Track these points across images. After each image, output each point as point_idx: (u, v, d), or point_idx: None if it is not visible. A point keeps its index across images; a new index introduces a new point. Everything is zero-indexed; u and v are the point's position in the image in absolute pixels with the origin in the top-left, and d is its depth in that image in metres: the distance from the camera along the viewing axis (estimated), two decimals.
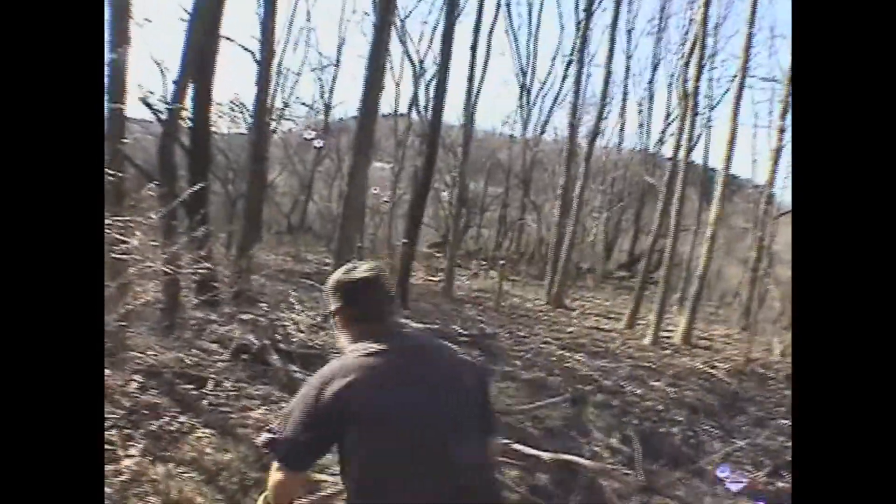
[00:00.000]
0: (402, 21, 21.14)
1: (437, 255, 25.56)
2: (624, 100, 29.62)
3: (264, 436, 2.10)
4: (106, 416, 4.95)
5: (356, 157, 9.72)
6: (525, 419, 6.88)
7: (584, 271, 25.88)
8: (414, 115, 21.99)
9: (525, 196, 27.52)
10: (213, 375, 6.23)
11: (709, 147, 22.64)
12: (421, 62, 21.97)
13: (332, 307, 2.28)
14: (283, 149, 26.82)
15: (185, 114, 9.02)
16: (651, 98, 30.33)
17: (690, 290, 15.12)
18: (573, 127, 18.72)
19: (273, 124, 21.69)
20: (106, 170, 5.46)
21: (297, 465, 2.12)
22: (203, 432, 5.08)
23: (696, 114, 14.87)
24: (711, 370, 11.19)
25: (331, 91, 26.99)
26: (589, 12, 17.97)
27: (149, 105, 8.85)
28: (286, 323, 9.17)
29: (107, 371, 5.66)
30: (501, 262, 19.63)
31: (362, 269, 2.28)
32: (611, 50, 18.14)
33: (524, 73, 27.62)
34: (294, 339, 8.25)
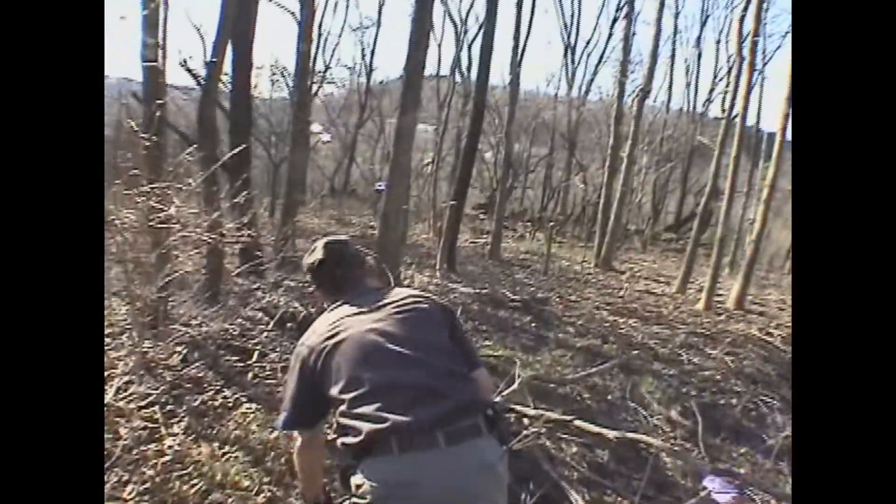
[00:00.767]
0: None
1: (482, 216, 25.29)
2: (672, 58, 28.83)
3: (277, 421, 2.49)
4: (148, 391, 4.78)
5: (402, 117, 9.37)
6: (583, 390, 6.58)
7: (631, 233, 25.39)
8: (457, 76, 21.53)
9: (571, 157, 26.95)
10: (257, 347, 5.98)
11: (761, 106, 21.85)
12: (463, 21, 21.46)
13: (311, 286, 2.79)
14: (326, 112, 26.67)
15: (225, 77, 8.80)
16: (699, 56, 29.47)
17: (741, 253, 14.57)
18: (622, 85, 18.11)
19: (315, 87, 21.50)
20: (142, 134, 5.26)
21: (304, 424, 2.42)
22: (248, 407, 4.86)
23: (753, 70, 14.13)
24: (767, 337, 10.77)
25: (372, 53, 26.67)
26: None
27: (188, 69, 8.64)
28: None
29: (149, 343, 5.51)
30: (550, 223, 19.24)
31: (318, 251, 2.61)
32: (661, 4, 17.41)
33: (568, 32, 26.88)
34: None
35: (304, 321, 6.84)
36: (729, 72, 26.01)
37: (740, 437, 6.67)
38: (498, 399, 5.09)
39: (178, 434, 4.32)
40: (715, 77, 28.46)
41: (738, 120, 14.22)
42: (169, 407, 4.68)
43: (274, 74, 20.28)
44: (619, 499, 4.72)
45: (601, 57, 27.09)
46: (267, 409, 4.83)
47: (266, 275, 8.69)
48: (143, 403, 4.64)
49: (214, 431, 4.44)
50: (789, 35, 13.76)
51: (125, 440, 4.10)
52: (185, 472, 3.86)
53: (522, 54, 16.43)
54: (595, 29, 45.46)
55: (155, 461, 3.92)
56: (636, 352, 8.37)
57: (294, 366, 2.36)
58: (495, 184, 20.77)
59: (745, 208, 21.59)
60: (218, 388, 5.14)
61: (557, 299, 11.16)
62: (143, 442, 4.14)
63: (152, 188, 4.97)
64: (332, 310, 2.45)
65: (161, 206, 5.13)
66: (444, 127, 20.96)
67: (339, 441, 2.21)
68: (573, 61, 27.03)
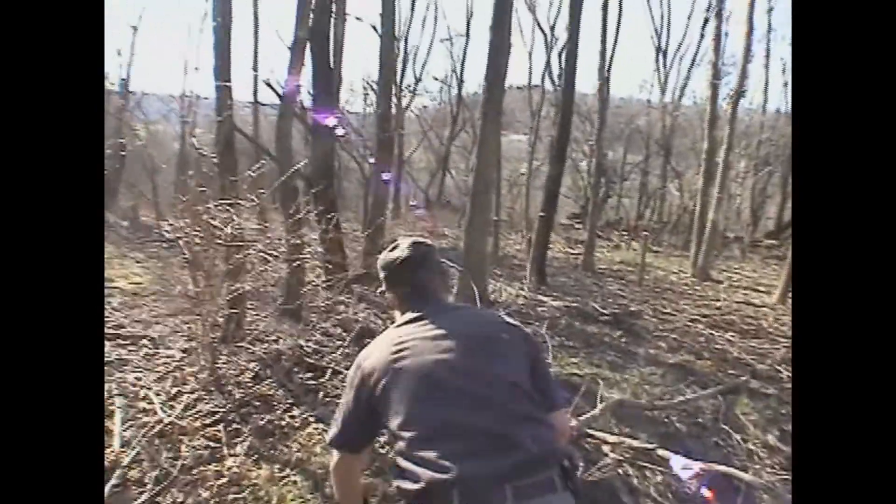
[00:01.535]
0: None
1: (577, 226, 24.85)
2: (767, 57, 27.61)
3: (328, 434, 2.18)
4: (215, 408, 4.71)
5: (484, 125, 9.19)
6: (672, 412, 6.17)
7: (730, 240, 24.39)
8: (548, 84, 21.20)
9: (666, 163, 26.16)
10: (331, 364, 5.86)
11: None
12: (552, 29, 21.13)
13: (383, 286, 2.37)
14: (419, 124, 26.81)
15: (309, 92, 8.83)
16: None
17: None
18: (715, 87, 17.35)
19: (405, 100, 21.63)
20: (205, 151, 5.22)
21: (349, 447, 2.16)
22: (315, 428, 4.71)
23: None
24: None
25: (462, 64, 26.64)
26: None
27: (270, 85, 8.71)
28: None
29: (223, 359, 5.47)
30: (644, 232, 18.65)
31: (402, 248, 2.32)
32: (752, 1, 16.62)
33: (659, 35, 26.13)
34: None
35: None
36: None
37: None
38: (575, 423, 4.79)
39: (239, 454, 4.20)
40: None
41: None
42: (235, 426, 4.59)
43: (365, 89, 20.48)
44: None
45: (693, 60, 26.18)
46: None
47: (350, 288, 8.61)
48: (208, 421, 4.57)
49: (277, 453, 4.31)
50: None
51: (185, 460, 4.01)
52: (239, 495, 3.72)
53: (611, 60, 15.99)
54: (686, 31, 44.05)
55: (212, 483, 3.81)
56: (732, 372, 7.87)
57: (352, 382, 2.08)
58: (589, 192, 20.34)
59: None
60: (287, 406, 5.03)
61: (650, 312, 10.70)
62: (203, 462, 4.05)
63: (220, 203, 4.91)
64: (399, 324, 2.16)
65: (231, 221, 5.07)
66: (535, 136, 20.65)
67: (395, 483, 1.90)
68: (665, 65, 26.32)
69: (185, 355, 5.83)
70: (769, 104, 28.97)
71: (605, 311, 9.64)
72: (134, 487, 3.72)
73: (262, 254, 5.90)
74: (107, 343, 6.00)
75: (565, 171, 16.26)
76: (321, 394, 5.36)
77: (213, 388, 5.02)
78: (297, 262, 6.57)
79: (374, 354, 2.05)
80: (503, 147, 15.78)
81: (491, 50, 8.59)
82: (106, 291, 7.73)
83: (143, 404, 4.83)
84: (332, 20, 9.08)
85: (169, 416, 4.56)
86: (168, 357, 5.88)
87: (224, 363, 5.50)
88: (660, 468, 4.75)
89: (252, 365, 5.57)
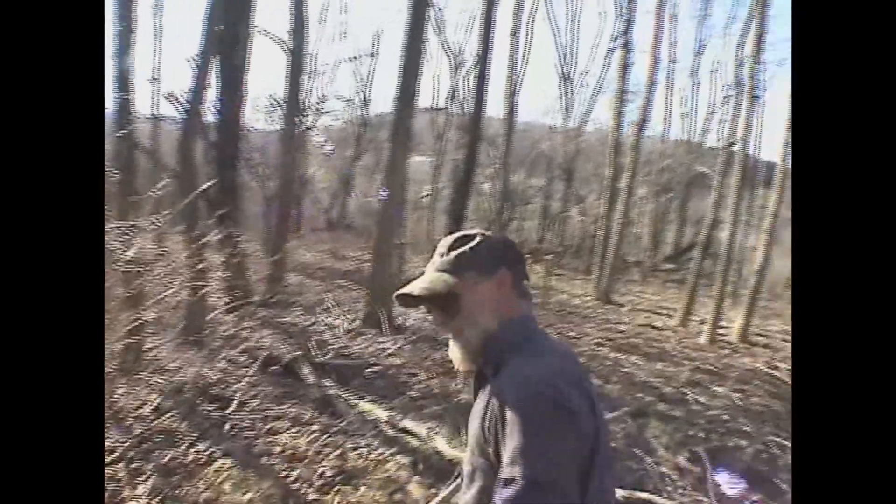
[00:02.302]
0: (438, 10, 20.52)
1: None
2: (669, 87, 28.64)
3: None
4: (114, 445, 4.39)
5: (394, 148, 9.09)
6: None
7: (630, 265, 25.01)
8: (453, 107, 21.33)
9: (568, 187, 26.65)
10: (237, 395, 5.59)
11: (760, 134, 21.63)
12: (460, 52, 21.30)
13: (480, 277, 1.65)
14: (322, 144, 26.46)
15: (213, 108, 8.54)
16: (695, 85, 29.31)
17: (742, 283, 14.19)
18: (619, 115, 17.82)
19: (310, 119, 21.30)
20: (107, 167, 4.91)
21: None
22: (222, 464, 4.45)
23: (754, 97, 13.83)
24: (774, 371, 10.36)
25: (368, 84, 26.52)
26: None
27: (174, 99, 8.36)
28: (321, 328, 8.58)
29: (120, 391, 5.15)
30: (547, 255, 18.87)
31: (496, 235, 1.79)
32: (657, 35, 17.18)
33: (564, 61, 26.69)
34: (331, 346, 7.63)
35: (290, 366, 6.48)
36: (726, 100, 25.88)
37: (753, 483, 6.25)
38: None
39: (141, 496, 3.91)
40: (711, 106, 28.36)
41: (738, 148, 13.92)
42: (135, 464, 4.28)
43: (269, 106, 20.04)
44: None
45: (597, 87, 26.87)
46: (242, 467, 4.43)
47: (252, 312, 8.32)
48: (106, 460, 4.24)
49: (182, 492, 4.03)
50: (787, 63, 13.40)
51: None
52: None
53: (519, 86, 16.22)
54: (591, 59, 45.35)
55: None
56: (640, 395, 7.97)
57: (559, 417, 1.40)
58: (493, 215, 20.48)
59: (745, 236, 21.28)
60: (191, 441, 4.74)
61: (556, 336, 10.77)
62: None
63: (118, 225, 4.61)
64: (538, 352, 1.59)
65: (131, 245, 4.77)
66: (440, 159, 20.69)
67: None
68: (570, 91, 26.90)
69: None
70: (670, 133, 30.01)
71: None
72: None
73: (162, 279, 5.60)
74: None
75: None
76: (227, 426, 5.10)
77: (110, 423, 4.69)
78: (201, 288, 6.27)
79: (572, 391, 1.47)
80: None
81: (402, 73, 8.51)
82: None
83: None
84: (240, 33, 8.82)
85: None
86: None
87: (122, 395, 5.16)
88: None
89: (153, 397, 5.25)
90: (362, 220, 26.29)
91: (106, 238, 4.62)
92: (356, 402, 5.87)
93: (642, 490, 4.92)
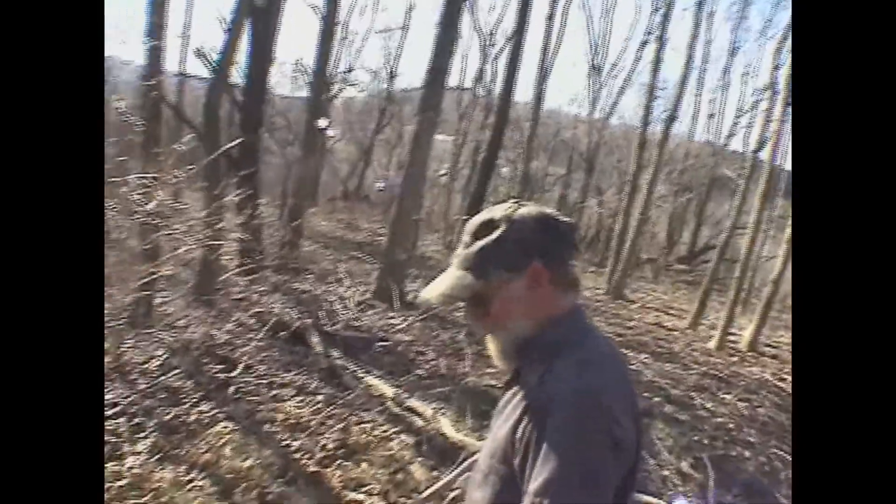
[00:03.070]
0: None
1: None
2: (699, 87, 28.29)
3: None
4: (117, 399, 4.34)
5: (421, 123, 8.98)
6: None
7: (644, 261, 24.86)
8: (480, 88, 21.13)
9: (588, 178, 26.43)
10: (244, 359, 5.53)
11: (787, 143, 21.28)
12: (491, 34, 21.06)
13: (509, 274, 1.44)
14: (344, 114, 26.37)
15: (240, 69, 8.46)
16: (726, 87, 28.91)
17: (756, 292, 13.99)
18: (647, 110, 17.58)
19: (335, 89, 21.20)
20: (133, 117, 4.84)
21: None
22: (224, 427, 4.40)
23: (789, 103, 13.54)
24: (781, 383, 10.27)
25: (396, 59, 26.33)
26: None
27: (202, 55, 8.27)
28: (332, 298, 8.52)
29: (128, 344, 5.10)
30: None
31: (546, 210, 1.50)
32: (695, 32, 16.91)
33: (595, 53, 26.39)
34: (341, 317, 7.57)
35: (299, 332, 6.42)
36: (755, 105, 25.54)
37: (754, 494, 6.19)
38: None
39: (141, 453, 3.86)
40: (739, 110, 27.99)
41: (766, 154, 13.71)
42: (137, 419, 4.23)
43: (296, 72, 19.93)
44: None
45: (626, 80, 26.57)
46: (244, 432, 4.38)
47: (265, 276, 8.26)
48: (108, 413, 4.19)
49: (183, 453, 3.98)
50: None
51: None
52: (140, 500, 3.39)
53: (549, 71, 16.03)
54: (622, 52, 45.01)
55: (110, 485, 3.46)
56: (646, 394, 7.89)
57: (605, 444, 1.27)
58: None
59: (762, 245, 21.09)
60: (195, 400, 4.69)
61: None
62: None
63: (141, 177, 4.53)
64: (588, 359, 1.40)
65: (152, 198, 4.70)
66: (462, 138, 20.54)
67: None
68: (598, 82, 26.62)
69: None
70: (694, 134, 29.71)
71: None
72: None
73: (178, 235, 5.54)
74: None
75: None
76: (232, 389, 5.04)
77: (115, 376, 4.64)
78: (217, 247, 6.20)
79: (617, 404, 1.34)
80: None
81: (436, 48, 8.38)
82: None
83: None
84: None
85: None
86: None
87: (129, 349, 5.11)
88: None
89: (160, 353, 5.20)
90: (379, 193, 26.23)
91: (126, 189, 4.57)
92: (363, 375, 5.82)
93: (644, 493, 4.85)
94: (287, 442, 4.46)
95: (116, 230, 4.73)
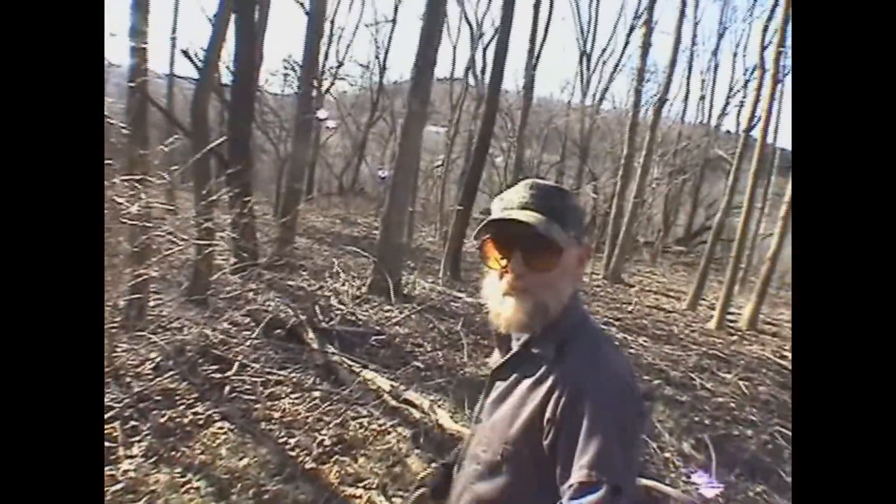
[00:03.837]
0: None
1: None
2: (689, 69, 28.30)
3: None
4: (112, 403, 4.32)
5: (410, 114, 8.95)
6: None
7: (640, 245, 24.84)
8: (470, 78, 21.05)
9: (582, 164, 26.40)
10: (239, 358, 5.52)
11: (779, 120, 21.25)
12: (479, 24, 20.98)
13: (577, 240, 1.47)
14: (337, 108, 26.29)
15: (229, 67, 8.43)
16: (716, 68, 28.87)
17: (754, 270, 13.94)
18: (638, 93, 17.51)
19: (326, 84, 21.15)
20: (118, 121, 4.81)
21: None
22: (220, 427, 4.39)
23: (778, 81, 13.49)
24: (782, 360, 10.27)
25: (386, 52, 26.24)
26: None
27: (188, 56, 8.24)
28: (327, 293, 8.51)
29: (122, 346, 5.09)
30: None
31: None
32: (681, 13, 16.89)
33: (585, 39, 26.31)
34: (336, 312, 7.56)
35: (294, 330, 6.41)
36: (745, 84, 25.52)
37: (756, 473, 6.17)
38: None
39: (136, 456, 3.84)
40: (730, 90, 27.97)
41: (757, 133, 13.64)
42: (132, 423, 4.22)
43: (286, 69, 19.89)
44: None
45: (616, 65, 26.51)
46: (240, 431, 4.36)
47: (259, 274, 8.24)
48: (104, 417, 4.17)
49: (178, 455, 3.96)
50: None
51: None
52: None
53: (538, 59, 15.99)
54: (611, 37, 45.06)
55: (105, 489, 3.44)
56: (646, 377, 7.89)
57: (640, 422, 1.42)
58: (505, 188, 20.29)
59: (758, 223, 21.06)
60: (190, 402, 4.68)
61: None
62: None
63: (128, 179, 4.50)
64: (605, 341, 1.50)
65: (139, 199, 4.67)
66: (455, 129, 20.49)
67: None
68: (588, 68, 26.55)
69: None
70: (686, 115, 29.70)
71: None
72: None
73: (169, 236, 5.52)
74: None
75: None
76: (227, 388, 5.03)
77: (109, 380, 4.63)
78: (208, 247, 6.18)
79: (630, 369, 1.48)
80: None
81: (422, 39, 8.34)
82: None
83: None
84: None
85: None
86: None
87: (123, 352, 5.09)
88: None
89: (153, 355, 5.18)
90: (374, 187, 26.20)
91: (112, 192, 4.53)
92: (359, 369, 5.80)
93: (645, 477, 4.84)
94: (284, 439, 4.45)
95: (106, 232, 4.69)
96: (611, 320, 10.95)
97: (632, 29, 24.75)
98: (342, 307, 7.87)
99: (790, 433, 6.98)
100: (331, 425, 4.73)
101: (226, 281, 7.66)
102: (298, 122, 10.67)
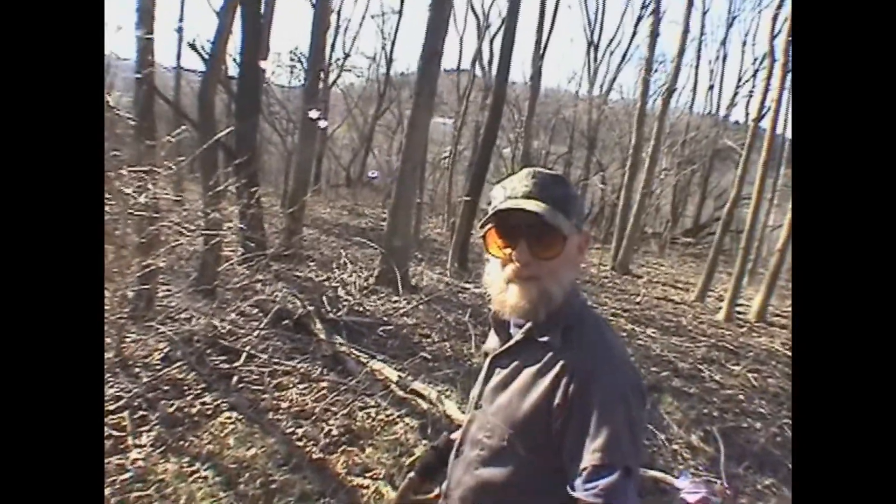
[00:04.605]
0: None
1: None
2: (697, 59, 28.12)
3: None
4: (120, 393, 4.35)
5: (416, 106, 8.93)
6: None
7: (648, 236, 24.77)
8: (477, 70, 21.01)
9: (590, 155, 26.31)
10: (246, 348, 5.53)
11: (788, 111, 21.13)
12: (486, 15, 20.94)
13: (578, 228, 1.50)
14: (344, 100, 26.30)
15: (235, 59, 8.43)
16: (724, 58, 28.73)
17: (762, 262, 13.84)
18: (646, 83, 17.43)
19: (333, 76, 21.17)
20: (125, 113, 4.82)
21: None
22: (228, 417, 4.41)
23: (788, 70, 13.37)
24: (790, 353, 10.21)
25: (392, 43, 26.20)
26: None
27: (195, 48, 8.25)
28: (335, 284, 8.52)
29: (131, 338, 5.11)
30: None
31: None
32: (690, 2, 16.76)
33: (592, 29, 26.20)
34: (344, 302, 7.57)
35: (301, 321, 6.42)
36: (754, 74, 25.39)
37: (765, 466, 6.15)
38: None
39: (145, 445, 3.86)
40: (739, 80, 27.85)
41: (767, 123, 13.57)
42: (141, 413, 4.24)
43: (292, 61, 19.89)
44: None
45: (624, 55, 26.46)
46: (248, 421, 4.38)
47: (267, 265, 8.25)
48: (112, 407, 4.20)
49: (186, 444, 3.98)
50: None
51: None
52: (144, 493, 3.39)
53: (545, 49, 15.93)
54: (619, 27, 44.90)
55: (114, 478, 3.46)
56: (655, 369, 7.87)
57: (644, 405, 1.48)
58: None
59: (767, 214, 20.95)
60: (198, 392, 4.70)
61: None
62: (104, 454, 3.70)
63: (135, 170, 4.51)
64: (607, 328, 1.54)
65: (146, 190, 4.68)
66: (462, 120, 20.46)
67: None
68: (596, 59, 26.44)
69: None
70: (695, 105, 29.55)
71: None
72: None
73: (177, 227, 5.54)
74: None
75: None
76: (235, 378, 5.05)
77: (118, 370, 4.65)
78: (216, 237, 6.19)
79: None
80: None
81: (428, 30, 8.32)
82: None
83: None
84: None
85: None
86: None
87: (132, 343, 5.12)
88: None
89: (162, 346, 5.21)
90: (381, 178, 26.19)
91: (120, 183, 4.55)
92: (367, 360, 5.81)
93: (652, 468, 4.84)
94: (291, 430, 4.47)
95: (113, 223, 4.70)
96: (619, 311, 10.93)
97: (639, 19, 24.66)
98: (350, 298, 7.88)
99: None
100: (338, 416, 4.74)
101: (233, 272, 7.67)
102: (306, 116, 10.67)
